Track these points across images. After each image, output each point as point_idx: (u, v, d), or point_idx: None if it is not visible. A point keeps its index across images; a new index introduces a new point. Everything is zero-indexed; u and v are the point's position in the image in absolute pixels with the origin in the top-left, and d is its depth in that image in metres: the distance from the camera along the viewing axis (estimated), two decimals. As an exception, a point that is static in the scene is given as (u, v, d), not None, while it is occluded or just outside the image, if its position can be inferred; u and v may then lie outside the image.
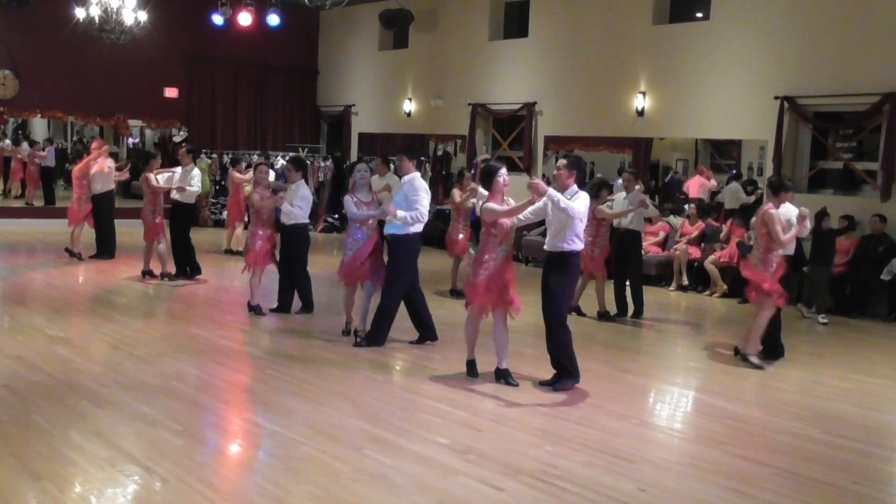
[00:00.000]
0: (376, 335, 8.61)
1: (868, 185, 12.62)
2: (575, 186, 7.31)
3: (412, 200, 8.37)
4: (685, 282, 13.19)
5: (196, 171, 12.14)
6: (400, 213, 8.25)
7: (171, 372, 7.52)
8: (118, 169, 15.57)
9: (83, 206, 13.39)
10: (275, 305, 10.19)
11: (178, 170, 12.23)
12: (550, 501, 5.02)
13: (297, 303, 10.28)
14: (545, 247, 7.42)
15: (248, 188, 13.28)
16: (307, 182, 11.23)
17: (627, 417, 6.73)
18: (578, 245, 7.31)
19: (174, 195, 12.03)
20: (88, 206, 13.40)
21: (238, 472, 5.52)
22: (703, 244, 13.37)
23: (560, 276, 7.26)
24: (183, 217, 12.23)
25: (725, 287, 12.68)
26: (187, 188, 11.92)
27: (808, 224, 8.57)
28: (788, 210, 8.51)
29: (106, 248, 13.73)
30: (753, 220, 8.83)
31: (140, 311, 10.48)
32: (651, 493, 5.22)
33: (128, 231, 14.34)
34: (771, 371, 8.42)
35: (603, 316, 10.63)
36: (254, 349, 8.71)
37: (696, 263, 13.28)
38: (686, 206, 14.55)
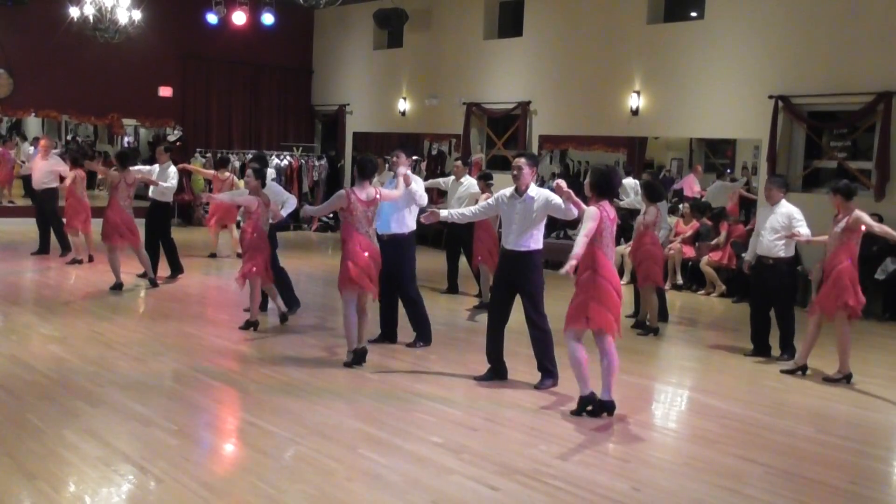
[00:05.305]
0: (427, 333, 8.76)
1: (862, 184, 12.64)
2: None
3: (415, 192, 8.47)
4: (679, 281, 13.20)
5: (172, 170, 12.06)
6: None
7: (166, 371, 7.51)
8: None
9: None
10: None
11: (156, 167, 12.12)
12: (545, 501, 5.02)
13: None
14: (507, 246, 7.36)
15: (240, 183, 13.29)
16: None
17: (622, 417, 6.73)
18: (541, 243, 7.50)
19: (150, 192, 12.00)
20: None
21: (232, 472, 5.51)
22: (697, 243, 13.39)
23: (532, 275, 7.33)
24: (160, 215, 12.13)
25: (724, 287, 12.68)
26: (161, 184, 11.81)
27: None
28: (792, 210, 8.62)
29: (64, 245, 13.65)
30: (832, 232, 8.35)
31: (134, 310, 10.46)
32: (645, 492, 5.23)
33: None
34: (765, 370, 8.44)
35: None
36: (248, 348, 8.69)
37: (689, 263, 13.29)
38: (680, 206, 14.57)
